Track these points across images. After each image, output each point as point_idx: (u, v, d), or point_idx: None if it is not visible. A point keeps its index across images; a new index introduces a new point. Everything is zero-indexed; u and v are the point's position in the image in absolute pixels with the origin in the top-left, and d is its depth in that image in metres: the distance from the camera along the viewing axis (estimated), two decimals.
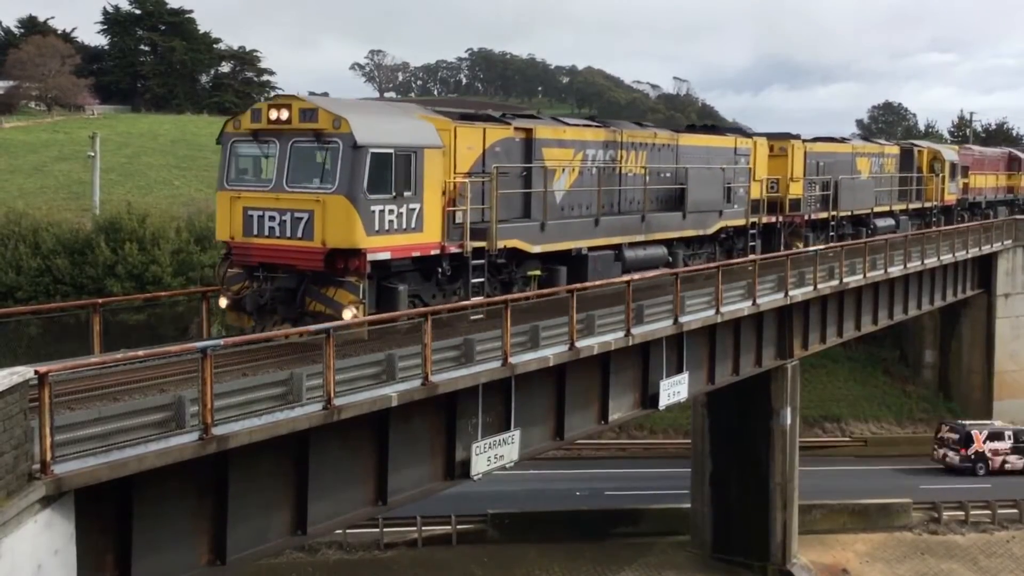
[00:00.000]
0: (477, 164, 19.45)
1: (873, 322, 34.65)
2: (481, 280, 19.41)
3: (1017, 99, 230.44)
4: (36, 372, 10.92)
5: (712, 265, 25.77)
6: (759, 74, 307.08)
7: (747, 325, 26.86)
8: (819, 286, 28.95)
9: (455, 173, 18.93)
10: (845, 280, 30.53)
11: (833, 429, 43.92)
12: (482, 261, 19.34)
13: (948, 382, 47.77)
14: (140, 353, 13.07)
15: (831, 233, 34.79)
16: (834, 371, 47.17)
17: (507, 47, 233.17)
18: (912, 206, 41.94)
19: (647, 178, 25.05)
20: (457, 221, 18.79)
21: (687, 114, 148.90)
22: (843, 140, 39.13)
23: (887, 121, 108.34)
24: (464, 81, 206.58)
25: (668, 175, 26.44)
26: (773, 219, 31.64)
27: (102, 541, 12.38)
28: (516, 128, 20.92)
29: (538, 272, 21.17)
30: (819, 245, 32.03)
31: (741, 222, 29.22)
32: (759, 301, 26.14)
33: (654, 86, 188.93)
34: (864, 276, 31.81)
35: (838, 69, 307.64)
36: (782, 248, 31.57)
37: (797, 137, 33.98)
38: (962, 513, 36.29)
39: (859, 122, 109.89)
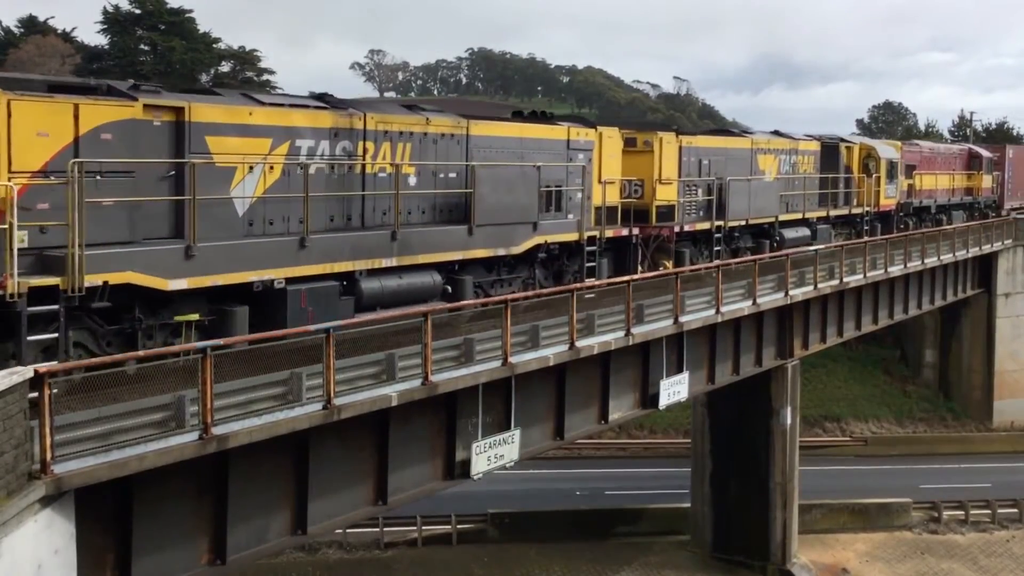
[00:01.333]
0: (62, 158, 13.05)
1: (873, 322, 34.64)
2: (53, 337, 12.67)
3: (1017, 99, 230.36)
4: (36, 372, 10.92)
5: (712, 265, 25.75)
6: (759, 74, 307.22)
7: (747, 325, 26.86)
8: (819, 285, 28.94)
9: (10, 172, 12.58)
10: (845, 280, 30.52)
11: (833, 429, 43.91)
12: (54, 307, 12.60)
13: (948, 382, 47.77)
14: (140, 353, 13.02)
15: (716, 248, 28.57)
16: (834, 371, 47.20)
17: (505, 46, 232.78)
18: (836, 212, 35.91)
19: (412, 180, 18.94)
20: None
21: (687, 114, 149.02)
22: (740, 133, 33.39)
23: (887, 121, 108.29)
24: (464, 81, 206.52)
25: (451, 176, 19.84)
26: (626, 232, 24.77)
27: (102, 541, 12.38)
28: (150, 106, 14.45)
29: (195, 317, 14.85)
30: (706, 263, 26.94)
31: (572, 237, 22.40)
32: (759, 301, 26.13)
33: (654, 86, 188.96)
34: (864, 276, 31.80)
35: (838, 69, 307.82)
36: (641, 270, 25.06)
37: (672, 129, 28.69)
38: (962, 513, 36.30)
39: (859, 122, 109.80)
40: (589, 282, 22.17)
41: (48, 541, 11.11)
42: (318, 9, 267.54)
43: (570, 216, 22.41)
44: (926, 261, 36.58)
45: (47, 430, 10.90)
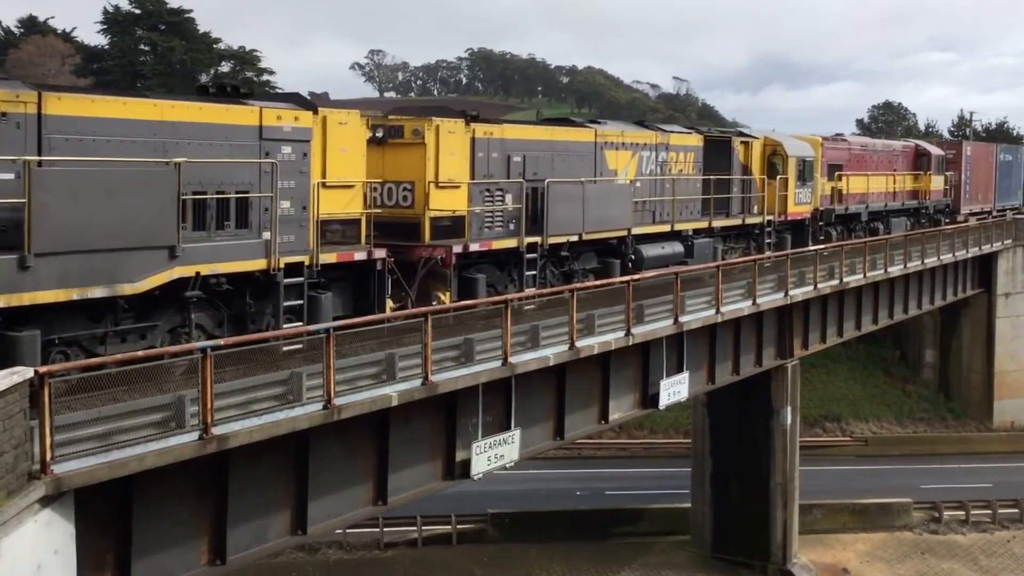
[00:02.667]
0: None
1: (873, 322, 34.64)
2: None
3: (1018, 99, 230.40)
4: (36, 372, 10.92)
5: (712, 265, 25.75)
6: (758, 74, 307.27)
7: (747, 325, 26.86)
8: (819, 286, 28.94)
9: None
10: (845, 280, 30.52)
11: (833, 429, 43.88)
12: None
13: (948, 382, 47.74)
14: (140, 354, 13.01)
15: (531, 272, 21.45)
16: (834, 371, 47.18)
17: (503, 46, 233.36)
18: (724, 223, 29.24)
19: None
20: None
21: (687, 114, 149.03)
22: (583, 124, 25.91)
23: (887, 121, 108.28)
24: (464, 81, 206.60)
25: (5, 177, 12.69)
26: (365, 255, 17.32)
27: (102, 541, 12.38)
28: None
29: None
30: (520, 293, 20.62)
31: (256, 265, 15.62)
32: (759, 301, 26.14)
33: (654, 86, 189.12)
34: (864, 276, 31.80)
35: (837, 68, 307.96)
36: (394, 306, 18.13)
37: (464, 115, 20.88)
38: (963, 513, 36.28)
39: (859, 121, 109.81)
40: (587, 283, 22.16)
41: (48, 541, 11.11)
42: (314, 9, 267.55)
43: (264, 235, 15.69)
44: (926, 261, 36.58)
45: (47, 430, 10.90)
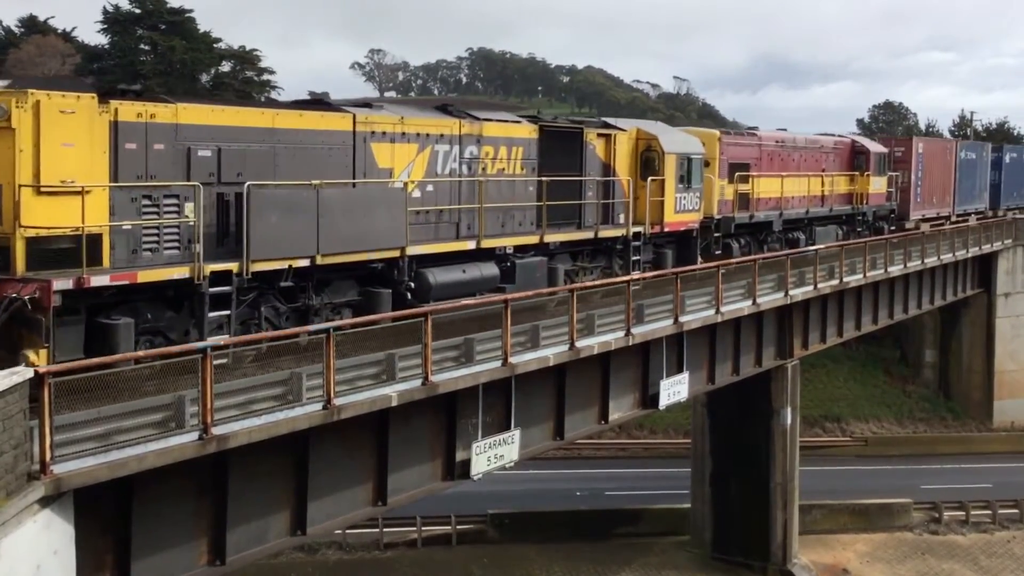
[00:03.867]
0: None
1: (873, 321, 34.64)
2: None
3: (1018, 98, 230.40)
4: (36, 372, 10.91)
5: (711, 264, 25.74)
6: (758, 73, 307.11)
7: (747, 325, 26.85)
8: (819, 285, 28.94)
9: None
10: (845, 280, 30.52)
11: (833, 429, 43.91)
12: None
13: (948, 382, 47.77)
14: (140, 353, 13.01)
15: (215, 313, 15.04)
16: (834, 371, 47.20)
17: (500, 45, 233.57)
18: (567, 236, 22.91)
19: None
20: None
21: (687, 113, 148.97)
22: (347, 108, 18.74)
23: (888, 120, 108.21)
24: (464, 80, 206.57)
25: None
26: None
27: (102, 541, 12.38)
28: None
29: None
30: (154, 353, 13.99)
31: None
32: (759, 301, 26.13)
33: (654, 85, 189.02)
34: (864, 276, 31.80)
35: (836, 68, 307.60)
36: None
37: (122, 92, 15.13)
38: (963, 513, 36.28)
39: (859, 121, 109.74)
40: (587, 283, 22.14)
41: (47, 542, 11.10)
42: (308, 8, 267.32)
43: None
44: (926, 261, 36.59)
45: (47, 430, 10.89)
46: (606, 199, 24.45)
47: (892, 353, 49.54)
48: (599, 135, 24.61)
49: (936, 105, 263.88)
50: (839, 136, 40.48)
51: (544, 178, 22.07)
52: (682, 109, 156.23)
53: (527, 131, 22.29)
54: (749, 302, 25.81)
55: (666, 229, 25.96)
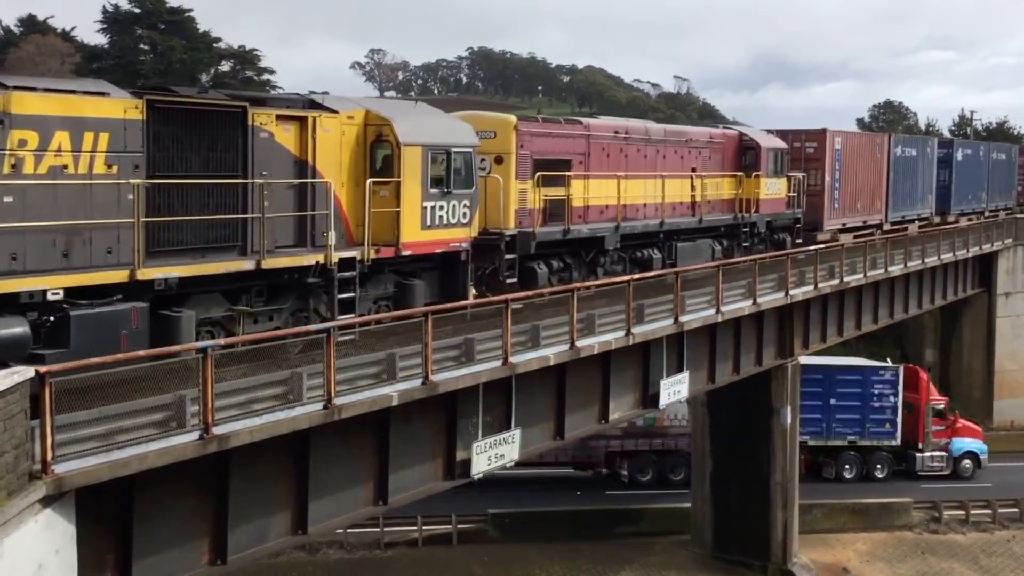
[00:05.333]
0: None
1: (874, 321, 34.65)
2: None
3: (1018, 98, 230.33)
4: (36, 372, 10.91)
5: (712, 264, 25.74)
6: (757, 73, 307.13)
7: (748, 324, 26.86)
8: (820, 285, 28.94)
9: None
10: (846, 279, 30.52)
11: None
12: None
13: (948, 381, 47.75)
14: (140, 353, 12.99)
15: None
16: None
17: (497, 44, 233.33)
18: (202, 270, 15.01)
19: None
20: None
21: (688, 113, 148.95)
22: None
23: (888, 120, 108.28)
24: (464, 80, 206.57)
25: None
26: None
27: (103, 541, 12.38)
28: None
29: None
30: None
31: None
32: (759, 300, 26.14)
33: (654, 85, 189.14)
34: (865, 275, 31.81)
35: (836, 68, 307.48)
36: None
37: None
38: (963, 512, 36.28)
39: (859, 120, 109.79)
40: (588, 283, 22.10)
41: (49, 541, 11.10)
42: (309, 8, 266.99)
43: None
44: (926, 260, 36.60)
45: (48, 430, 10.89)
46: (301, 210, 16.74)
47: (892, 353, 49.44)
48: (283, 117, 16.58)
49: (936, 104, 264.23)
50: (723, 128, 33.36)
51: (156, 181, 14.42)
52: (682, 109, 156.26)
53: (117, 109, 14.09)
54: (749, 302, 25.82)
55: (405, 252, 18.19)
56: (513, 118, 23.48)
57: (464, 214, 19.67)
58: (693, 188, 28.78)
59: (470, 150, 19.90)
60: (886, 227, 40.36)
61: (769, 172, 31.76)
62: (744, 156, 31.47)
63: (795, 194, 33.78)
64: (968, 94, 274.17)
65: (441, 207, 19.07)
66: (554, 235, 23.35)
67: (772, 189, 32.16)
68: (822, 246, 31.25)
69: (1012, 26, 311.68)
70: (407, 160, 18.21)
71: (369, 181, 17.70)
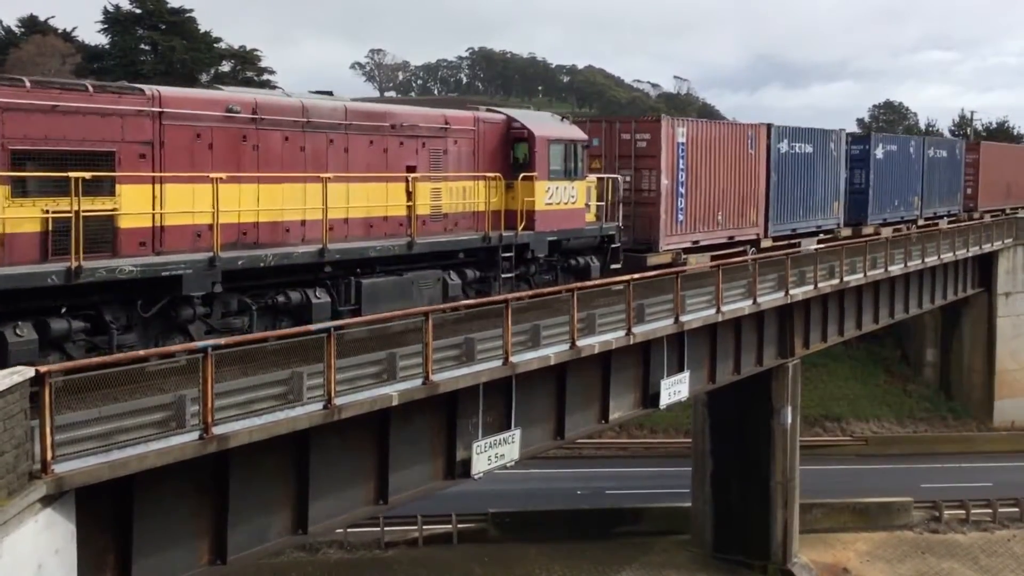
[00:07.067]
0: None
1: (874, 321, 34.65)
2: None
3: (1018, 97, 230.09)
4: (36, 372, 10.92)
5: (712, 264, 25.74)
6: (757, 73, 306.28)
7: (748, 324, 26.86)
8: (820, 285, 28.94)
9: None
10: (846, 279, 30.52)
11: (834, 428, 43.94)
12: None
13: (949, 381, 47.81)
14: (140, 353, 13.01)
15: None
16: (835, 370, 47.21)
17: (494, 43, 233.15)
18: None
19: None
20: None
21: (688, 113, 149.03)
22: None
23: (888, 120, 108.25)
24: (464, 80, 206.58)
25: None
26: None
27: (103, 540, 12.38)
28: None
29: None
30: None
31: None
32: (760, 300, 26.14)
33: (654, 85, 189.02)
34: (865, 275, 31.80)
35: (835, 67, 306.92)
36: None
37: None
38: (963, 512, 36.30)
39: (859, 120, 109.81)
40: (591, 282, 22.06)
41: (49, 541, 11.10)
42: (309, 7, 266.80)
43: None
44: (926, 260, 36.58)
45: (48, 430, 10.90)
46: None
47: (893, 352, 49.57)
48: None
49: (937, 104, 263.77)
50: (478, 110, 22.61)
51: None
52: (683, 109, 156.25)
53: None
54: (750, 301, 25.82)
55: None
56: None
57: None
58: (411, 196, 19.20)
59: None
60: (766, 243, 31.60)
61: (551, 173, 22.29)
62: (514, 150, 22.07)
63: (603, 203, 24.54)
64: (968, 94, 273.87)
65: None
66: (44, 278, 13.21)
67: (560, 197, 22.56)
68: (821, 246, 31.19)
69: (1012, 26, 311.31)
70: None
71: None
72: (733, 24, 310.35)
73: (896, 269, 34.20)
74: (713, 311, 23.98)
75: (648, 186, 27.08)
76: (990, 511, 36.36)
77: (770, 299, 26.85)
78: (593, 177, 24.38)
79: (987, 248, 43.64)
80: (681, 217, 27.91)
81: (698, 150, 28.54)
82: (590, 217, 23.89)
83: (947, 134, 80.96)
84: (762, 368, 28.38)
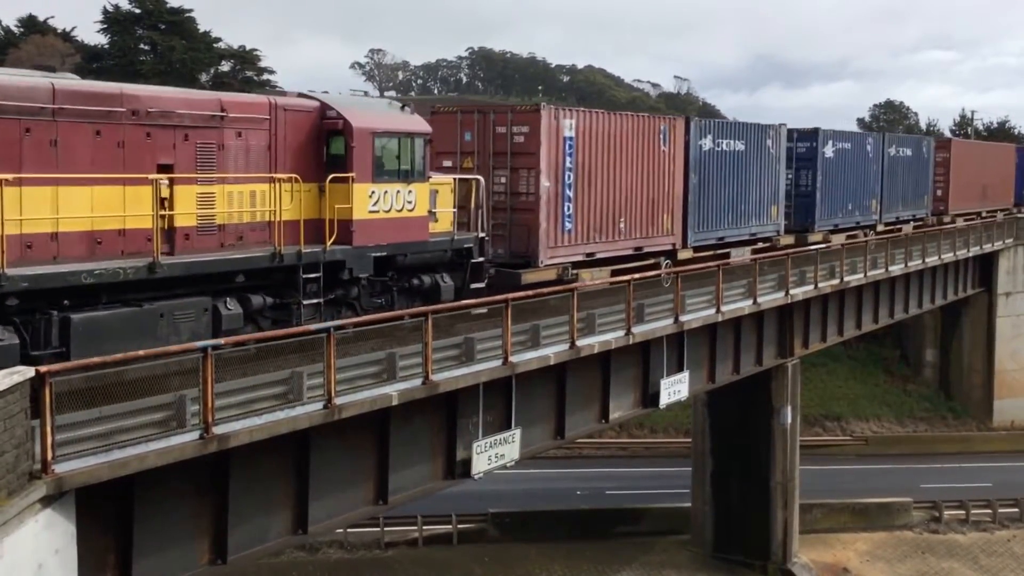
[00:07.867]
0: None
1: (874, 321, 34.65)
2: None
3: (1019, 97, 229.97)
4: (37, 372, 10.92)
5: (712, 264, 25.75)
6: (757, 73, 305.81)
7: (748, 324, 26.86)
8: (820, 285, 28.94)
9: None
10: (846, 279, 30.52)
11: (834, 428, 43.94)
12: None
13: (949, 381, 47.81)
14: (140, 353, 12.99)
15: None
16: (835, 370, 47.21)
17: (493, 43, 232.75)
18: None
19: None
20: None
21: (688, 113, 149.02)
22: None
23: (888, 120, 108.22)
24: (464, 80, 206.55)
25: None
26: None
27: (103, 540, 12.38)
28: None
29: None
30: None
31: None
32: (760, 300, 26.15)
33: (654, 85, 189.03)
34: (865, 275, 31.82)
35: (835, 67, 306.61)
36: None
37: None
38: (963, 512, 36.30)
39: (860, 120, 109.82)
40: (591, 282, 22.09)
41: (49, 541, 11.10)
42: (309, 7, 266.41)
43: None
44: (927, 260, 36.59)
45: (48, 429, 10.89)
46: None
47: (892, 352, 49.56)
48: None
49: (937, 104, 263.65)
50: (278, 95, 18.11)
51: None
52: (683, 109, 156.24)
53: None
54: (750, 301, 25.82)
55: None
56: None
57: None
58: (165, 204, 14.81)
59: None
60: (685, 255, 27.51)
61: (377, 173, 17.99)
62: (329, 146, 17.66)
63: (465, 209, 20.84)
64: (968, 94, 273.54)
65: None
66: None
67: (391, 203, 18.31)
68: (822, 245, 31.19)
69: (1012, 26, 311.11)
70: None
71: None
72: (733, 24, 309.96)
73: (896, 269, 34.21)
74: (713, 311, 23.98)
75: (526, 189, 22.66)
76: (990, 511, 36.36)
77: (770, 299, 26.86)
78: (444, 178, 20.33)
79: (987, 248, 43.65)
80: (569, 225, 23.37)
81: (592, 146, 24.01)
82: (439, 227, 19.57)
83: (948, 133, 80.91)
84: (762, 368, 28.38)
